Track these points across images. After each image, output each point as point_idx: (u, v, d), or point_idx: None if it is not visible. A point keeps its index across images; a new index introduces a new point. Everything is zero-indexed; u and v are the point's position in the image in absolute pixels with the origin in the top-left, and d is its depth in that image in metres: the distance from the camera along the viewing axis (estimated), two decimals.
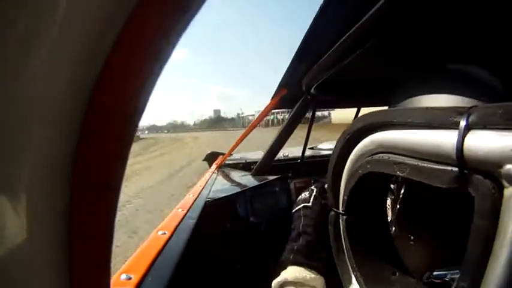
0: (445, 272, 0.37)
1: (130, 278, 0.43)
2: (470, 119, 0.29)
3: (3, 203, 0.13)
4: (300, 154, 1.38)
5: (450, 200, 0.36)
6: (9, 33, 0.11)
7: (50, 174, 0.14)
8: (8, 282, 0.13)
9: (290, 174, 1.28)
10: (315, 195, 0.80)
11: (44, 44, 0.12)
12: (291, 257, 0.71)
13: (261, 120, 1.43)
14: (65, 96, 0.13)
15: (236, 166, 1.56)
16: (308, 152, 1.52)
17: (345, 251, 0.55)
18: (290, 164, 1.43)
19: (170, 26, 0.14)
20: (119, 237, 2.76)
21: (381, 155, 0.44)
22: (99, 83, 0.13)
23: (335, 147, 0.57)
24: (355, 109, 1.38)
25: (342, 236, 0.55)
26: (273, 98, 1.22)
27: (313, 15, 0.60)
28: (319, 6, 0.56)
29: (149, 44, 0.14)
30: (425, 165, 0.35)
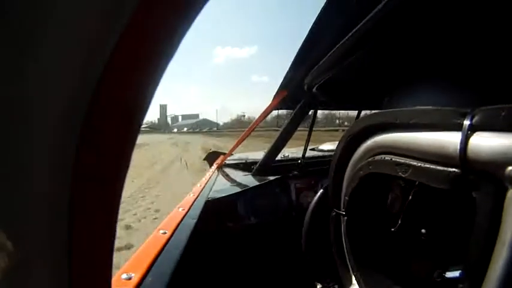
0: (451, 272, 0.36)
1: (130, 278, 0.43)
2: (473, 121, 0.29)
3: (3, 203, 0.12)
4: (300, 155, 1.38)
5: (456, 200, 0.36)
6: (11, 33, 0.11)
7: (51, 173, 0.14)
8: (8, 281, 0.13)
9: (291, 175, 1.28)
10: None
11: (47, 44, 0.12)
12: None
13: (261, 121, 1.43)
14: (68, 95, 0.13)
15: (237, 166, 1.56)
16: (309, 153, 1.51)
17: (346, 251, 0.55)
18: (291, 164, 1.43)
19: (173, 25, 0.14)
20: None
21: (383, 155, 0.43)
22: (103, 82, 0.13)
23: (337, 148, 0.56)
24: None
25: (343, 237, 0.55)
26: (274, 99, 1.22)
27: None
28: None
29: (152, 43, 0.14)
30: (428, 166, 0.35)
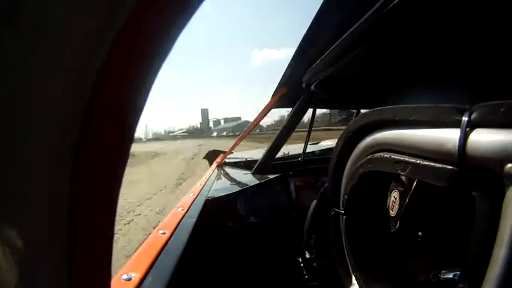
0: (453, 272, 0.36)
1: (130, 279, 0.43)
2: (472, 117, 0.29)
3: (3, 203, 0.12)
4: (300, 153, 1.39)
5: (456, 198, 0.36)
6: (10, 33, 0.11)
7: (50, 173, 0.14)
8: (7, 282, 0.13)
9: (291, 173, 1.28)
10: None
11: (45, 43, 0.12)
12: None
13: (260, 119, 1.43)
14: (65, 95, 0.13)
15: (237, 165, 1.56)
16: (309, 151, 1.51)
17: (345, 250, 0.55)
18: (291, 162, 1.43)
19: (169, 25, 0.14)
20: None
21: (382, 153, 0.43)
22: (99, 81, 0.13)
23: (336, 145, 0.56)
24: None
25: (342, 236, 0.55)
26: (272, 97, 1.22)
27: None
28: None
29: (148, 42, 0.14)
30: (426, 163, 0.35)
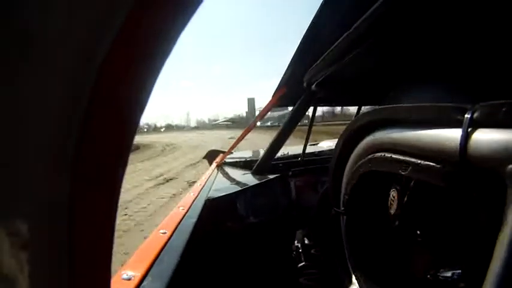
0: (451, 272, 0.36)
1: (130, 278, 0.43)
2: (473, 117, 0.29)
3: (3, 203, 0.12)
4: (300, 153, 1.39)
5: (456, 199, 0.36)
6: (9, 33, 0.11)
7: (50, 173, 0.14)
8: (7, 282, 0.13)
9: (290, 173, 1.28)
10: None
11: (44, 43, 0.12)
12: None
13: (261, 118, 1.43)
14: (65, 95, 0.13)
15: (236, 164, 1.56)
16: (309, 151, 1.51)
17: (345, 250, 0.55)
18: (290, 162, 1.43)
19: (168, 25, 0.14)
20: None
21: (383, 153, 0.43)
22: (100, 81, 0.13)
23: (336, 145, 0.56)
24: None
25: (343, 236, 0.55)
26: (273, 96, 1.22)
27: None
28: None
29: (148, 42, 0.14)
30: (427, 163, 0.35)
